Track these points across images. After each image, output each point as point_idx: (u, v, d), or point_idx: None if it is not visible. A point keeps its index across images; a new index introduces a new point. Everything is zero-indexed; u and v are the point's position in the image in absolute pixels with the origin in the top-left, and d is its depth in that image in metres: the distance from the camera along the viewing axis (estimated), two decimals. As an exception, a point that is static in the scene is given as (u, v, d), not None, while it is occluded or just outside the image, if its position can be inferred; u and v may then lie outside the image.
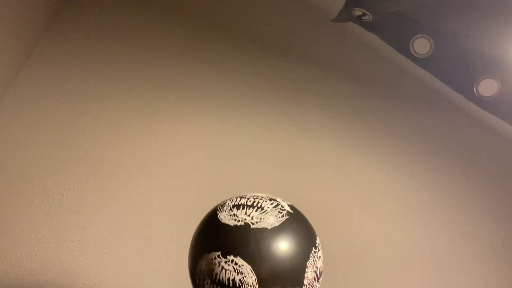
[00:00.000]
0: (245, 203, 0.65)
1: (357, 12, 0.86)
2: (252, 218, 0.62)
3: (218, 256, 0.57)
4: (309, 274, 0.60)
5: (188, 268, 0.64)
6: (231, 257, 0.56)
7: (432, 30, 0.78)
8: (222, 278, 0.56)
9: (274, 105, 1.04)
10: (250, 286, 0.55)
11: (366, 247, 0.96)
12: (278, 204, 0.65)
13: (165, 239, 0.88)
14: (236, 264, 0.56)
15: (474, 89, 0.79)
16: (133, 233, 0.87)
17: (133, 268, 0.85)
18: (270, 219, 0.63)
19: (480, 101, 0.81)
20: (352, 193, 1.00)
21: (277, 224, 0.62)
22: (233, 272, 0.56)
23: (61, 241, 0.85)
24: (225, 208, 0.65)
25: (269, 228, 0.61)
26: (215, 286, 0.56)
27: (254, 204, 0.65)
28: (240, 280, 0.56)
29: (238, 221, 0.61)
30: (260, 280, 0.56)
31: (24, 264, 0.82)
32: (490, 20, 0.68)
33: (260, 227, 0.60)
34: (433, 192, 1.03)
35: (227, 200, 0.67)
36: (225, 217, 0.63)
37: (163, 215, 0.90)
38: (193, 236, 0.67)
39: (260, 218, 0.62)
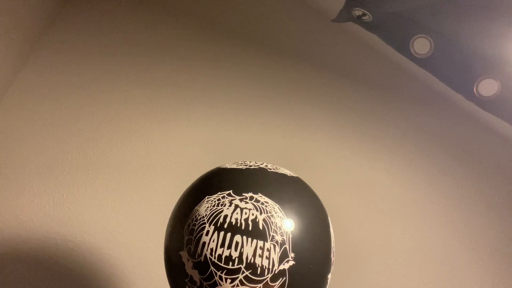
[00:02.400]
0: (251, 162, 0.53)
1: (357, 12, 0.86)
2: (267, 165, 0.50)
3: (229, 194, 0.43)
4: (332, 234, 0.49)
5: (171, 224, 0.48)
6: (249, 194, 0.43)
7: (432, 30, 0.78)
8: (236, 220, 0.41)
9: (274, 105, 1.04)
10: (279, 228, 0.41)
11: (365, 247, 0.96)
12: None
13: (165, 239, 0.88)
14: (257, 201, 0.42)
15: (474, 89, 0.79)
16: (134, 233, 0.87)
17: (134, 269, 0.85)
18: (286, 170, 0.52)
19: (480, 101, 0.81)
20: (352, 193, 1.00)
21: (294, 176, 0.52)
22: (253, 211, 0.41)
23: (61, 241, 0.85)
24: (227, 164, 0.53)
25: (288, 175, 0.50)
26: (222, 232, 0.40)
27: (263, 162, 0.54)
28: (264, 220, 0.41)
29: (250, 166, 0.49)
30: (292, 221, 0.42)
31: (24, 263, 0.82)
32: (490, 20, 0.68)
33: (279, 172, 0.49)
34: (433, 191, 1.03)
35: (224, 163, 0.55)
36: (231, 166, 0.50)
37: (163, 215, 0.90)
38: (184, 193, 0.51)
39: (276, 167, 0.51)
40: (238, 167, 0.49)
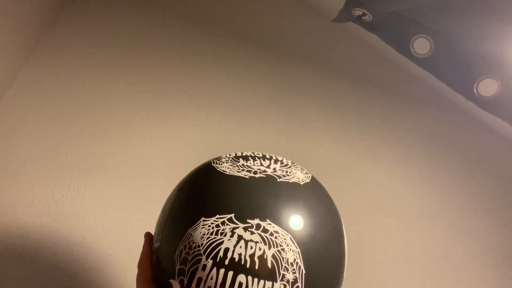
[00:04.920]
0: (252, 155, 0.45)
1: (357, 12, 0.86)
2: (275, 170, 0.42)
3: (230, 220, 0.35)
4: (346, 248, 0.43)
5: (159, 239, 0.41)
6: (255, 221, 0.35)
7: (432, 30, 0.78)
8: (240, 256, 0.33)
9: (274, 105, 1.04)
10: (291, 265, 0.35)
11: (365, 247, 0.96)
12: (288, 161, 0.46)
13: (165, 239, 0.88)
14: (265, 231, 0.35)
15: (474, 89, 0.79)
16: (134, 233, 0.87)
17: (134, 269, 0.85)
18: (298, 174, 0.44)
19: (480, 101, 0.81)
20: (352, 193, 1.00)
21: (308, 180, 0.44)
22: (260, 244, 0.34)
23: (61, 241, 0.85)
24: (223, 160, 0.45)
25: (301, 183, 0.42)
26: (222, 269, 0.33)
27: (267, 157, 0.45)
28: (274, 256, 0.34)
29: (255, 172, 0.41)
30: (306, 254, 0.36)
31: (24, 263, 0.82)
32: (490, 20, 0.68)
33: (290, 181, 0.41)
34: (433, 191, 1.03)
35: (220, 156, 0.48)
36: (229, 169, 0.42)
37: (163, 215, 0.90)
38: (170, 199, 0.45)
39: (286, 171, 0.42)
40: (239, 174, 0.41)
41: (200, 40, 1.05)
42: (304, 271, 0.35)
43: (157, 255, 0.42)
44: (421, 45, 0.81)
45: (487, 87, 0.78)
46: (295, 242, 0.36)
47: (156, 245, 0.43)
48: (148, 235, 0.50)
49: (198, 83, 1.02)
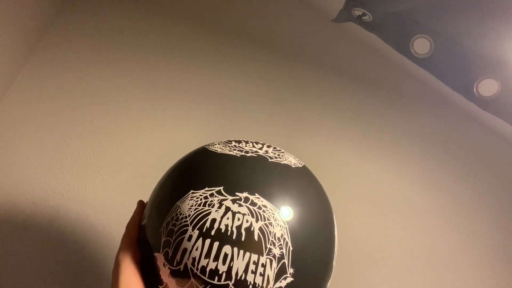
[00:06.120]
0: (245, 140, 0.46)
1: (357, 12, 0.86)
2: (267, 152, 0.42)
3: (219, 192, 0.35)
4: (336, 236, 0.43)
5: (148, 214, 0.41)
6: (243, 194, 0.35)
7: (432, 30, 0.78)
8: (226, 227, 0.33)
9: (274, 105, 1.04)
10: (278, 240, 0.34)
11: (364, 246, 0.96)
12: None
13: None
14: (253, 204, 0.34)
15: (474, 89, 0.79)
16: (133, 233, 0.87)
17: (133, 268, 0.85)
18: (290, 158, 0.44)
19: (480, 101, 0.81)
20: (352, 193, 1.00)
21: (300, 165, 0.44)
22: (248, 216, 0.34)
23: (62, 241, 0.85)
24: (216, 143, 0.45)
25: (293, 166, 0.41)
26: (208, 240, 0.33)
27: (260, 142, 0.46)
28: (261, 229, 0.34)
29: (246, 152, 0.41)
30: (293, 231, 0.35)
31: (24, 264, 0.82)
32: (490, 20, 0.68)
33: (281, 163, 0.41)
34: (432, 191, 1.03)
35: (214, 142, 0.47)
36: (221, 149, 0.42)
37: (163, 215, 0.90)
38: (161, 179, 0.45)
39: (278, 155, 0.42)
40: (231, 152, 0.40)
41: (199, 40, 1.05)
42: (291, 248, 0.35)
43: (144, 231, 0.41)
44: (421, 45, 0.81)
45: (487, 87, 0.78)
46: (283, 218, 0.35)
47: (143, 222, 0.42)
48: (140, 202, 0.51)
49: (198, 83, 1.02)
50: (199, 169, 0.40)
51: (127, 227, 0.47)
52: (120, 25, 1.02)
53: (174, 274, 0.35)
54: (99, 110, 0.94)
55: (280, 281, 0.34)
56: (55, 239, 0.84)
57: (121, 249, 0.45)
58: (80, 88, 0.95)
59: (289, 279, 0.35)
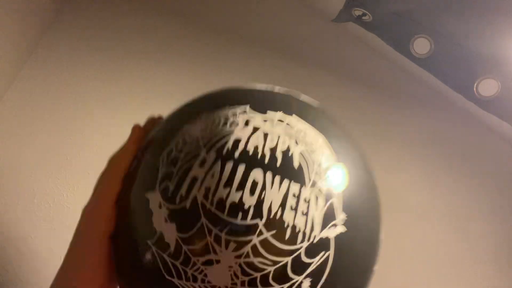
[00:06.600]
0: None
1: (357, 12, 0.86)
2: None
3: (243, 111, 0.27)
4: None
5: (136, 163, 0.31)
6: (277, 113, 0.26)
7: (432, 30, 0.78)
8: (256, 148, 0.24)
9: (274, 105, 1.04)
10: (324, 171, 0.25)
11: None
12: None
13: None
14: (291, 125, 0.26)
15: (474, 89, 0.79)
16: (133, 233, 0.87)
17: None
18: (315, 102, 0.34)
19: (480, 101, 0.81)
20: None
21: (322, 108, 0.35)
22: (284, 137, 0.25)
23: (62, 241, 0.85)
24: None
25: (316, 106, 0.33)
26: (231, 162, 0.24)
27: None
28: (303, 154, 0.25)
29: (273, 88, 0.34)
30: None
31: (24, 264, 0.82)
32: (490, 20, 0.68)
33: (306, 100, 0.32)
34: (432, 191, 1.03)
35: None
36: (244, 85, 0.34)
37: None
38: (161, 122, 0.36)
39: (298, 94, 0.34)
40: (250, 86, 0.33)
41: (199, 41, 1.05)
42: (342, 186, 0.26)
43: (133, 172, 0.31)
44: (421, 45, 0.81)
45: (487, 87, 0.78)
46: (329, 147, 0.26)
47: (134, 163, 0.32)
48: (137, 128, 0.37)
49: (198, 84, 1.02)
50: (217, 93, 0.32)
51: (114, 157, 0.35)
52: (120, 24, 1.02)
53: (174, 215, 0.24)
54: (99, 110, 0.94)
55: (329, 228, 0.24)
56: (55, 239, 0.84)
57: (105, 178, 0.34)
58: (80, 87, 0.95)
59: (341, 228, 0.25)
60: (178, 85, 1.01)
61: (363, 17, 0.86)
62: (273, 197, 0.23)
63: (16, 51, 0.89)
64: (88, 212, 0.34)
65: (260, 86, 0.34)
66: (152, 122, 0.39)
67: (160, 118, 0.40)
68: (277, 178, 0.24)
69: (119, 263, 0.30)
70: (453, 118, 1.07)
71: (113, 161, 0.36)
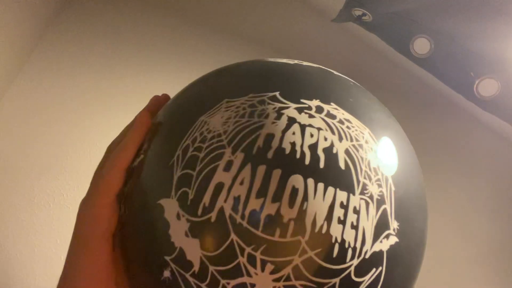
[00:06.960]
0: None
1: (357, 12, 0.86)
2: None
3: (273, 98, 0.22)
4: None
5: (140, 160, 0.26)
6: (314, 102, 0.22)
7: (432, 30, 0.78)
8: (293, 145, 0.20)
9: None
10: (374, 171, 0.21)
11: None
12: None
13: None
14: (331, 116, 0.22)
15: (474, 89, 0.79)
16: (133, 233, 0.87)
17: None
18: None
19: (480, 101, 0.81)
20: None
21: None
22: (326, 132, 0.21)
23: (62, 241, 0.85)
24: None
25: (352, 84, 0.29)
26: (263, 166, 0.20)
27: None
28: (348, 152, 0.21)
29: (301, 62, 0.29)
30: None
31: (25, 264, 0.82)
32: (490, 20, 0.68)
33: (341, 79, 0.28)
34: (431, 191, 1.03)
35: None
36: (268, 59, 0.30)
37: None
38: (173, 98, 0.31)
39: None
40: (282, 61, 0.28)
41: (199, 40, 1.05)
42: (393, 188, 0.22)
43: (138, 166, 0.26)
44: (421, 45, 0.81)
45: (487, 87, 0.78)
46: (376, 141, 0.22)
47: (138, 158, 0.27)
48: (143, 113, 0.31)
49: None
50: (239, 73, 0.27)
51: (115, 147, 0.29)
52: (120, 25, 1.02)
53: (197, 230, 0.20)
54: (99, 110, 0.94)
55: (381, 241, 0.21)
56: (55, 239, 0.84)
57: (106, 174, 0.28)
58: (80, 88, 0.95)
59: (393, 239, 0.21)
60: (178, 84, 1.00)
61: (363, 17, 0.86)
62: (317, 208, 0.20)
63: (16, 51, 0.89)
64: (83, 211, 0.29)
65: (286, 60, 0.28)
66: (158, 103, 0.34)
67: (166, 98, 0.34)
68: (321, 185, 0.20)
69: (131, 277, 0.26)
70: (453, 118, 1.07)
71: (113, 150, 0.30)
